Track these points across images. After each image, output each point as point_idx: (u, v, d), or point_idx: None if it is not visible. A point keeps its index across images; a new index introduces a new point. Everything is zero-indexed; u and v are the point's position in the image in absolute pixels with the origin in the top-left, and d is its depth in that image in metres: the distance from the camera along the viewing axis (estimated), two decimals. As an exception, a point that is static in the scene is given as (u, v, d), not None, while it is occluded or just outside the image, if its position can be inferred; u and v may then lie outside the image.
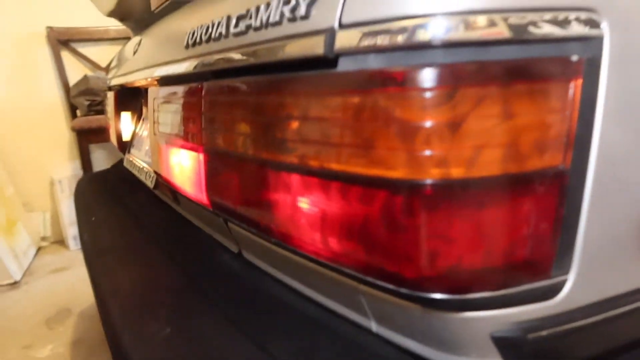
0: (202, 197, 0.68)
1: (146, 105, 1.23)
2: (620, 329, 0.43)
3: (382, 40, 0.37)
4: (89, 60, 2.76)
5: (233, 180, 0.58)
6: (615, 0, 0.39)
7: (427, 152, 0.35)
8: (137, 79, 0.99)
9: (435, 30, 0.35)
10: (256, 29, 0.52)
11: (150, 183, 0.99)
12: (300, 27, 0.45)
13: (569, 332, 0.40)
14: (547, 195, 0.38)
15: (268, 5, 0.50)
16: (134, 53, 1.08)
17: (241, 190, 0.57)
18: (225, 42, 0.58)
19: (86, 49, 2.76)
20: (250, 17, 0.53)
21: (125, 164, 1.25)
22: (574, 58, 0.37)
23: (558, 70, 0.37)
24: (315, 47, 0.42)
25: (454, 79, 0.35)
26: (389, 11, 0.38)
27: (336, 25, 0.41)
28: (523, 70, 0.36)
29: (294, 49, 0.45)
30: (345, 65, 0.41)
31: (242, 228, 0.61)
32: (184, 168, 0.73)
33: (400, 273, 0.38)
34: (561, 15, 0.37)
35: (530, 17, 0.36)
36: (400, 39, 0.36)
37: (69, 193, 2.63)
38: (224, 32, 0.58)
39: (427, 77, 0.35)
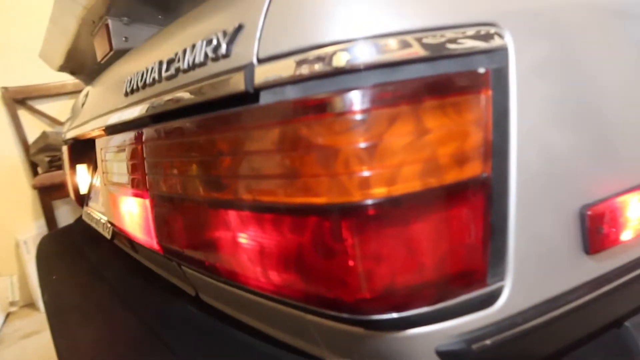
0: (152, 242, 0.67)
1: (100, 156, 1.22)
2: (565, 328, 0.44)
3: (297, 71, 0.38)
4: (47, 116, 2.72)
5: (178, 222, 0.58)
6: (515, 13, 0.42)
7: (348, 175, 0.36)
8: (87, 130, 0.98)
9: (346, 56, 0.36)
10: (184, 71, 0.52)
11: (107, 234, 0.98)
12: (223, 65, 0.46)
13: (513, 338, 0.40)
14: (473, 205, 0.38)
15: (193, 47, 0.51)
16: (82, 105, 1.08)
17: (187, 232, 0.56)
18: (158, 86, 0.59)
19: (44, 105, 2.73)
20: (179, 60, 0.53)
21: (84, 217, 1.23)
22: (481, 70, 0.39)
23: (467, 83, 0.38)
24: (237, 83, 0.43)
25: (367, 102, 0.36)
26: (302, 42, 0.39)
27: (254, 60, 0.42)
28: (434, 86, 0.37)
29: (218, 87, 0.45)
30: (266, 98, 0.42)
31: (195, 270, 0.60)
32: (134, 215, 0.72)
33: (338, 298, 0.38)
34: (466, 31, 0.39)
35: (439, 34, 0.38)
36: (315, 67, 0.37)
37: (35, 253, 2.55)
38: (156, 77, 0.59)
39: (340, 102, 0.36)
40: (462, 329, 0.39)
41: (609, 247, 0.45)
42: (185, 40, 0.55)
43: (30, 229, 2.64)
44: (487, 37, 0.39)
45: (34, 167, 2.62)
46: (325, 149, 0.37)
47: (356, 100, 0.36)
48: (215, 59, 0.47)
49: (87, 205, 1.25)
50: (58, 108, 2.76)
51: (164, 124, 0.57)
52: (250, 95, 0.42)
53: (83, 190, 1.28)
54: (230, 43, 0.45)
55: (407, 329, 0.38)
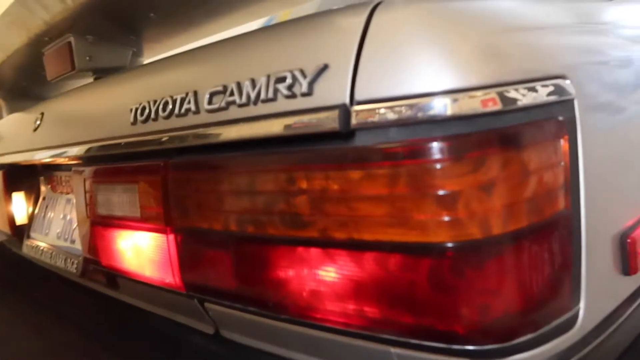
0: (171, 279, 0.63)
1: (47, 184, 1.11)
2: (621, 337, 0.50)
3: (403, 115, 0.40)
4: None
5: (223, 260, 0.56)
6: (575, 68, 0.47)
7: (469, 215, 0.38)
8: (47, 156, 0.89)
9: (458, 104, 0.39)
10: (241, 105, 0.51)
11: (74, 269, 0.89)
12: (302, 103, 0.46)
13: (590, 353, 0.45)
14: (561, 237, 0.43)
15: (253, 81, 0.50)
16: (35, 128, 0.98)
17: (236, 270, 0.54)
18: (195, 118, 0.56)
19: None
20: (231, 94, 0.52)
21: (25, 250, 1.10)
22: (561, 118, 0.44)
23: (553, 129, 0.43)
24: (328, 122, 0.43)
25: (482, 146, 0.39)
26: (403, 89, 0.40)
27: (347, 101, 0.43)
28: (530, 133, 0.41)
29: (300, 124, 0.45)
30: (363, 139, 0.43)
31: (232, 308, 0.58)
32: (142, 251, 0.67)
33: (451, 330, 0.40)
34: (547, 83, 0.43)
35: (527, 87, 0.42)
36: (423, 113, 0.39)
37: None
38: (193, 108, 0.57)
39: (459, 146, 0.39)
40: (554, 351, 0.43)
41: (641, 268, 0.52)
42: (234, 72, 0.53)
43: None
44: (562, 88, 0.44)
45: None
46: (446, 190, 0.39)
47: (473, 145, 0.39)
48: (292, 96, 0.47)
49: (28, 237, 1.12)
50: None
51: (209, 156, 0.55)
52: (341, 135, 0.43)
53: (20, 221, 1.15)
54: (312, 82, 0.45)
55: (512, 355, 0.41)
